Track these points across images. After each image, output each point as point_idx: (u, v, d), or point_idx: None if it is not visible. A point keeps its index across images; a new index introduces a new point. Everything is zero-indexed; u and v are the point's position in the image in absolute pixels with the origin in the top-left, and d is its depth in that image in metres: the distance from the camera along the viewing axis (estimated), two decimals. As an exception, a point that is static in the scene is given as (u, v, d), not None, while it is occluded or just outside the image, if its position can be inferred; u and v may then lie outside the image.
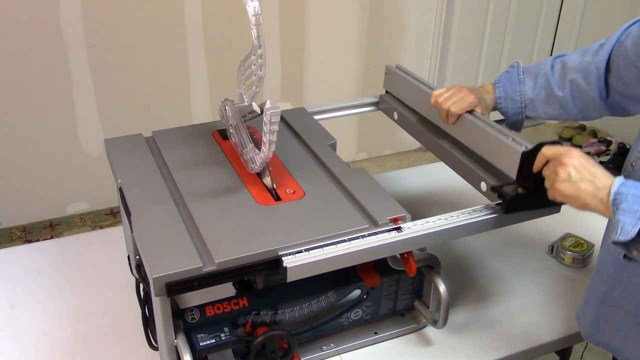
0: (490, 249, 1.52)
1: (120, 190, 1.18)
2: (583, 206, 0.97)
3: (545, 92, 1.27)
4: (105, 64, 2.75)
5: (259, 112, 1.16)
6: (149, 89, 2.88)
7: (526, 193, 1.11)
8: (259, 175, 1.21)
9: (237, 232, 1.05)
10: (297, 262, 1.00)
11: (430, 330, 1.28)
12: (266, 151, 1.10)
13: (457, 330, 1.28)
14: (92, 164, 2.91)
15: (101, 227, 2.92)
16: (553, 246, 1.50)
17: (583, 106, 1.25)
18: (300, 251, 1.01)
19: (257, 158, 1.15)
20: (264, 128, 1.07)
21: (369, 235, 1.06)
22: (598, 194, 0.94)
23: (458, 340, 1.27)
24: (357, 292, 1.21)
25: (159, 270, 0.95)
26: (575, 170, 0.96)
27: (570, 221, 1.55)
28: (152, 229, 1.06)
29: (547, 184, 1.02)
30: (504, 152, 1.17)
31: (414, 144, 3.53)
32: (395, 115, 1.52)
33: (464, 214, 1.12)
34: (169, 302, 1.00)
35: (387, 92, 1.57)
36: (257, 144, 1.15)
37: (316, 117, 1.49)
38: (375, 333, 1.26)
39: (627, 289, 1.07)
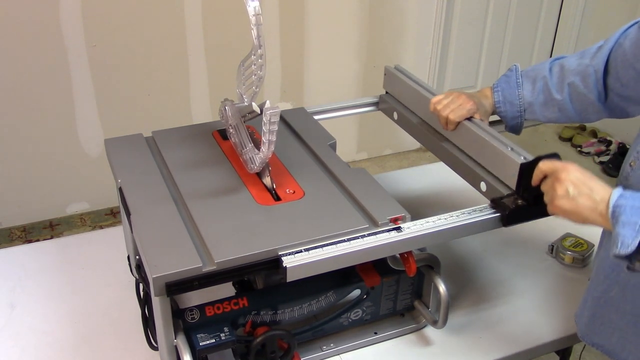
0: (490, 249, 1.52)
1: (120, 190, 1.18)
2: (583, 221, 0.98)
3: (543, 96, 1.28)
4: (105, 64, 2.75)
5: (259, 112, 1.16)
6: (149, 89, 2.88)
7: (526, 205, 1.11)
8: (259, 175, 1.21)
9: (237, 232, 1.05)
10: (297, 262, 1.00)
11: (430, 330, 1.28)
12: (265, 151, 1.10)
13: (457, 331, 1.28)
14: (92, 164, 2.91)
15: (101, 227, 2.92)
16: (553, 246, 1.50)
17: (582, 109, 1.25)
18: (300, 251, 1.01)
19: (257, 158, 1.15)
20: (264, 128, 1.07)
21: (369, 235, 1.06)
22: (597, 208, 0.95)
23: (458, 340, 1.27)
24: (357, 292, 1.21)
25: (159, 270, 0.95)
26: (573, 186, 0.97)
27: (570, 221, 1.55)
28: (152, 229, 1.06)
29: (546, 199, 1.03)
30: (502, 162, 1.18)
31: (414, 144, 3.53)
32: (395, 116, 1.52)
33: (464, 214, 1.12)
34: (168, 302, 1.00)
35: (387, 92, 1.57)
36: (257, 144, 1.15)
37: (316, 117, 1.49)
38: (375, 333, 1.26)
39: (624, 290, 1.07)
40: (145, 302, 1.20)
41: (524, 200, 1.12)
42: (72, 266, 1.45)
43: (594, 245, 1.49)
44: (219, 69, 2.96)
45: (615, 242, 0.91)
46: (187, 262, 0.97)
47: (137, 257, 1.22)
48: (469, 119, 1.29)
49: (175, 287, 0.96)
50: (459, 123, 1.29)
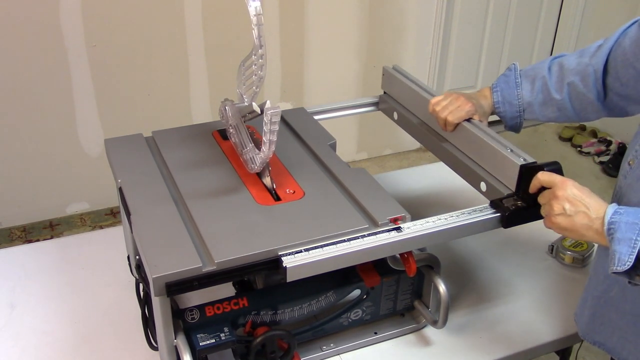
0: (490, 249, 1.52)
1: (120, 190, 1.18)
2: (580, 237, 0.99)
3: (542, 95, 1.28)
4: (105, 64, 2.75)
5: (259, 112, 1.16)
6: (149, 89, 2.88)
7: (525, 207, 1.11)
8: (259, 175, 1.21)
9: (237, 232, 1.05)
10: (297, 262, 1.00)
11: (430, 330, 1.28)
12: (266, 151, 1.10)
13: (457, 330, 1.28)
14: (92, 164, 2.91)
15: (101, 227, 2.92)
16: (553, 246, 1.50)
17: (581, 108, 1.25)
18: (300, 251, 1.01)
19: (257, 158, 1.15)
20: (264, 128, 1.07)
21: (369, 235, 1.06)
22: (593, 225, 0.96)
23: (458, 340, 1.27)
24: (357, 292, 1.21)
25: (159, 270, 0.95)
26: (570, 204, 0.98)
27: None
28: (152, 229, 1.06)
29: (542, 213, 1.04)
30: (502, 163, 1.18)
31: (414, 144, 3.53)
32: (395, 116, 1.52)
33: (464, 214, 1.12)
34: (168, 302, 1.00)
35: (385, 92, 1.57)
36: (257, 144, 1.15)
37: (316, 117, 1.49)
38: (375, 333, 1.26)
39: (624, 289, 1.07)
40: (145, 302, 1.20)
41: (524, 202, 1.12)
42: (72, 266, 1.45)
43: (594, 245, 1.49)
44: (219, 69, 2.96)
45: (612, 259, 0.91)
46: (187, 262, 0.97)
47: (137, 257, 1.22)
48: (468, 120, 1.29)
49: (175, 287, 0.96)
50: (457, 124, 1.29)
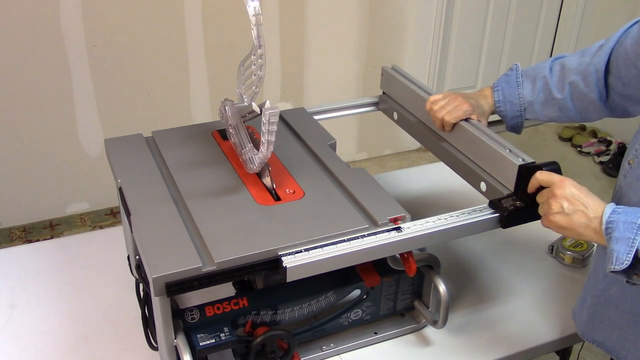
0: (490, 249, 1.52)
1: (120, 190, 1.18)
2: (578, 237, 0.99)
3: (544, 95, 1.27)
4: (105, 64, 2.75)
5: (259, 112, 1.16)
6: (149, 89, 2.88)
7: (524, 207, 1.11)
8: (259, 175, 1.21)
9: (237, 232, 1.05)
10: (297, 262, 1.00)
11: (430, 330, 1.28)
12: (264, 151, 1.10)
13: (457, 331, 1.28)
14: (92, 164, 2.91)
15: (101, 227, 2.92)
16: (553, 246, 1.50)
17: (582, 108, 1.25)
18: (300, 251, 1.01)
19: (256, 158, 1.15)
20: (263, 128, 1.07)
21: (369, 235, 1.06)
22: (591, 224, 0.96)
23: (458, 340, 1.27)
24: (356, 292, 1.21)
25: (159, 270, 0.95)
26: (568, 203, 0.98)
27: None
28: (152, 229, 1.06)
29: (540, 212, 1.04)
30: (501, 163, 1.18)
31: (414, 144, 3.53)
32: (395, 116, 1.52)
33: (464, 214, 1.12)
34: (168, 302, 1.00)
35: (384, 93, 1.57)
36: (256, 144, 1.15)
37: (316, 117, 1.49)
38: (375, 333, 1.26)
39: (623, 288, 1.07)
40: (145, 302, 1.20)
41: (522, 202, 1.12)
42: (72, 266, 1.45)
43: (594, 245, 1.49)
44: (219, 69, 2.96)
45: (610, 258, 0.91)
46: (187, 262, 0.97)
47: (137, 257, 1.22)
48: (467, 120, 1.28)
49: (175, 287, 0.96)
50: (455, 124, 1.29)
